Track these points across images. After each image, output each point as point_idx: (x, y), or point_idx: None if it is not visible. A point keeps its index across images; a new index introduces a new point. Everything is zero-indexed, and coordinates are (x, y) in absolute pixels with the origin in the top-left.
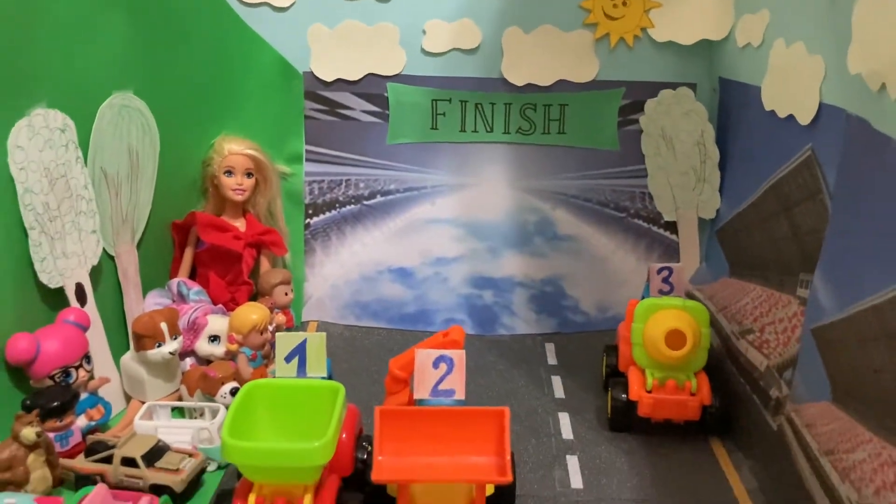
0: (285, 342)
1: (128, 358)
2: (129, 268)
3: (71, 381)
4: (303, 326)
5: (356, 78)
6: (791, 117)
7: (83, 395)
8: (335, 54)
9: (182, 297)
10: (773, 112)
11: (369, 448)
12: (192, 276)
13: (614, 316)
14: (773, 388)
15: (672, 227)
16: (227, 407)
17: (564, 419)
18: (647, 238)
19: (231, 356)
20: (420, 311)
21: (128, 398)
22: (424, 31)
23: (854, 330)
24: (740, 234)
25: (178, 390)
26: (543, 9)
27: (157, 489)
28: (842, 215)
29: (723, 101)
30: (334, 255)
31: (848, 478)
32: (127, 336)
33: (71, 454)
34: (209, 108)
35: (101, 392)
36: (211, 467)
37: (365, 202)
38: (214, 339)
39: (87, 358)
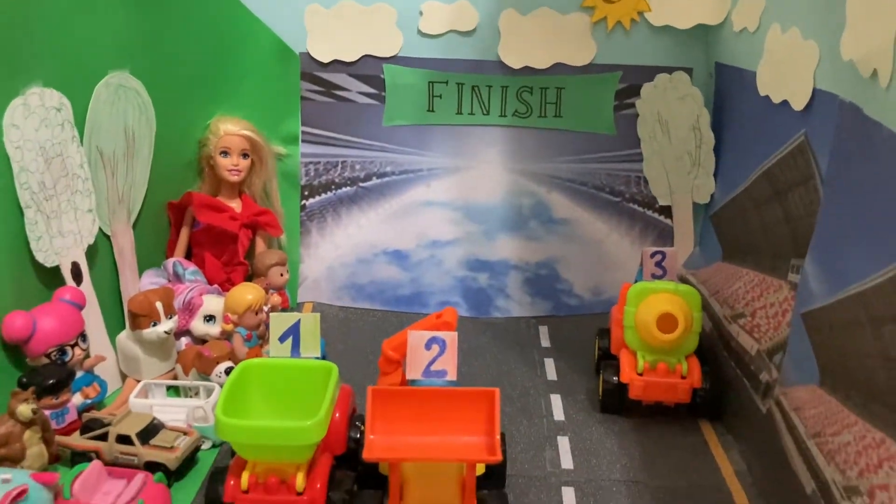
0: (279, 322)
1: (123, 337)
2: (125, 247)
3: (67, 360)
4: (298, 307)
5: (353, 59)
6: (785, 103)
7: (79, 374)
8: (332, 35)
9: (178, 277)
10: (767, 97)
11: (362, 427)
12: (188, 256)
13: (608, 299)
14: (763, 371)
15: (667, 211)
16: (222, 386)
17: (556, 401)
18: (641, 222)
19: (226, 336)
20: (415, 293)
21: (123, 377)
22: (421, 13)
23: (842, 315)
24: (734, 219)
25: (173, 369)
26: None
27: (151, 466)
28: (833, 201)
29: (718, 85)
30: (330, 236)
31: (833, 460)
32: (123, 315)
33: (67, 431)
34: (205, 89)
35: (97, 370)
36: (205, 445)
37: (361, 184)
38: (210, 318)
39: (83, 336)
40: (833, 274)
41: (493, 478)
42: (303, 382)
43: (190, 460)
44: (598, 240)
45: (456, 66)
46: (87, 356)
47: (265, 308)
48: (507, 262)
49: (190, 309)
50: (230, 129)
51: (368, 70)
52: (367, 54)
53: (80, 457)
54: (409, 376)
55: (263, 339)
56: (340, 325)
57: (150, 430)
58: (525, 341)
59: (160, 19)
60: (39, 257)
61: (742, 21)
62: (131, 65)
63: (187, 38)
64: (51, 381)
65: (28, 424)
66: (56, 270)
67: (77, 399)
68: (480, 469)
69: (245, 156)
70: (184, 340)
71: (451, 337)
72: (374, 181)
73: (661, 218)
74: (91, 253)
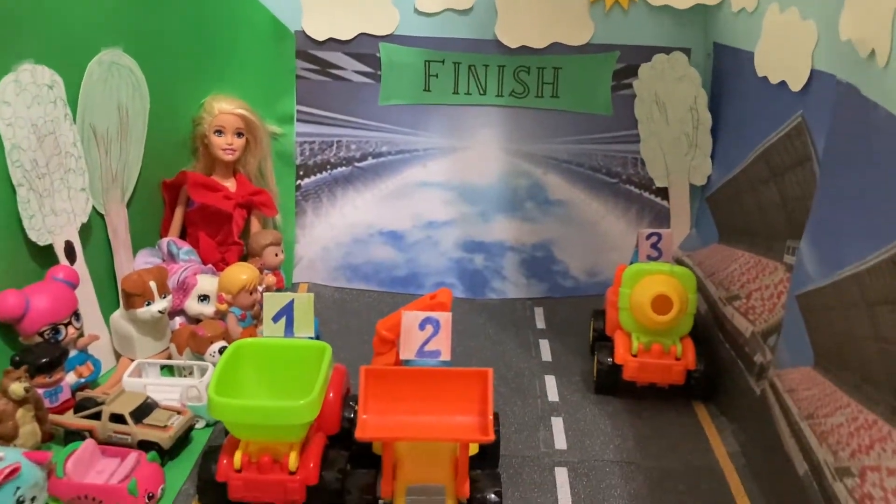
0: (273, 302)
1: (117, 316)
2: (118, 226)
3: (60, 338)
4: (293, 288)
5: (348, 37)
6: (783, 83)
7: (73, 353)
8: (327, 13)
9: (172, 257)
10: (765, 78)
11: (356, 407)
12: (183, 235)
13: (603, 281)
14: (757, 353)
15: (663, 193)
16: (215, 366)
17: (551, 381)
18: (637, 204)
19: (220, 316)
20: (411, 274)
21: (117, 356)
22: None
23: (837, 297)
24: (730, 201)
25: (167, 349)
26: None
27: (145, 445)
28: (829, 182)
29: (716, 66)
30: (325, 217)
31: (826, 441)
32: (117, 294)
33: (60, 410)
34: (199, 67)
35: (91, 349)
36: (199, 425)
37: (356, 164)
38: (204, 298)
39: (77, 315)
40: (829, 256)
41: (487, 458)
42: (296, 362)
43: (183, 439)
44: (594, 221)
45: (452, 45)
46: (81, 335)
47: (260, 288)
48: (503, 244)
49: (184, 288)
50: (224, 107)
51: (364, 49)
52: (362, 32)
53: (73, 435)
54: (402, 356)
55: (258, 319)
56: (336, 305)
57: (144, 410)
58: (520, 322)
59: None
60: (32, 236)
61: (741, 1)
62: (124, 42)
63: (181, 16)
64: (44, 360)
65: (21, 403)
66: (49, 249)
67: (71, 378)
68: (474, 449)
69: (239, 135)
70: (178, 320)
71: (444, 317)
72: (370, 161)
73: (658, 199)
74: (85, 232)
